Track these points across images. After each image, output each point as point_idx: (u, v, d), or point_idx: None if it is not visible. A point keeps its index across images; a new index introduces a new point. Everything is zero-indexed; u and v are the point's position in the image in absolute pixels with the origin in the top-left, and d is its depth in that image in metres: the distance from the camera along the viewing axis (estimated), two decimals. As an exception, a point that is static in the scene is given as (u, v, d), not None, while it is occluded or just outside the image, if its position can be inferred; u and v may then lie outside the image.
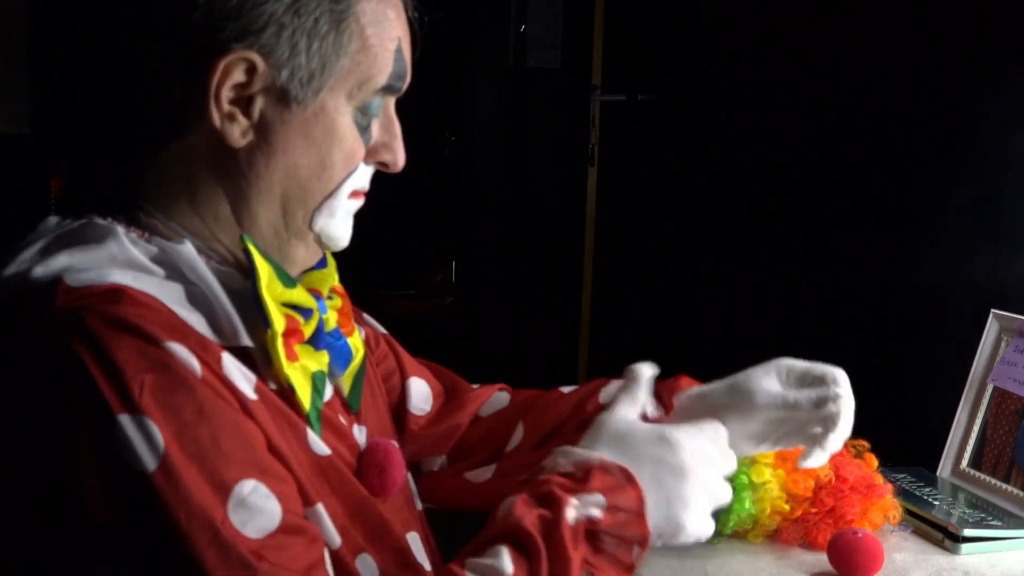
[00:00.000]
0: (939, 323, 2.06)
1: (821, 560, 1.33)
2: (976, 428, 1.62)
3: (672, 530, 1.02)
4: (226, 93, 0.93)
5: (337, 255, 1.09)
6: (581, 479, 1.00)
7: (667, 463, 1.03)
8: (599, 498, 0.98)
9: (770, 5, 2.84)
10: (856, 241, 2.40)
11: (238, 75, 0.93)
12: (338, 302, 1.09)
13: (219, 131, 0.94)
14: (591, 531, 0.97)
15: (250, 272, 0.94)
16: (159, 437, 0.82)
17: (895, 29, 2.27)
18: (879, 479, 1.43)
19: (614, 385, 1.26)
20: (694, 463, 1.03)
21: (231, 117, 0.94)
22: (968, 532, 1.40)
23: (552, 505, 0.97)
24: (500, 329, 4.38)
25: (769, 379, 1.17)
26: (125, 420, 0.82)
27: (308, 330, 0.99)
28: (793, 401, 1.15)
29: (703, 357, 3.18)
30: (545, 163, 4.35)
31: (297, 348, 0.97)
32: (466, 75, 4.45)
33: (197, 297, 0.92)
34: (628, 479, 1.01)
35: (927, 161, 2.16)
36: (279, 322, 0.94)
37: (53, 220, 0.97)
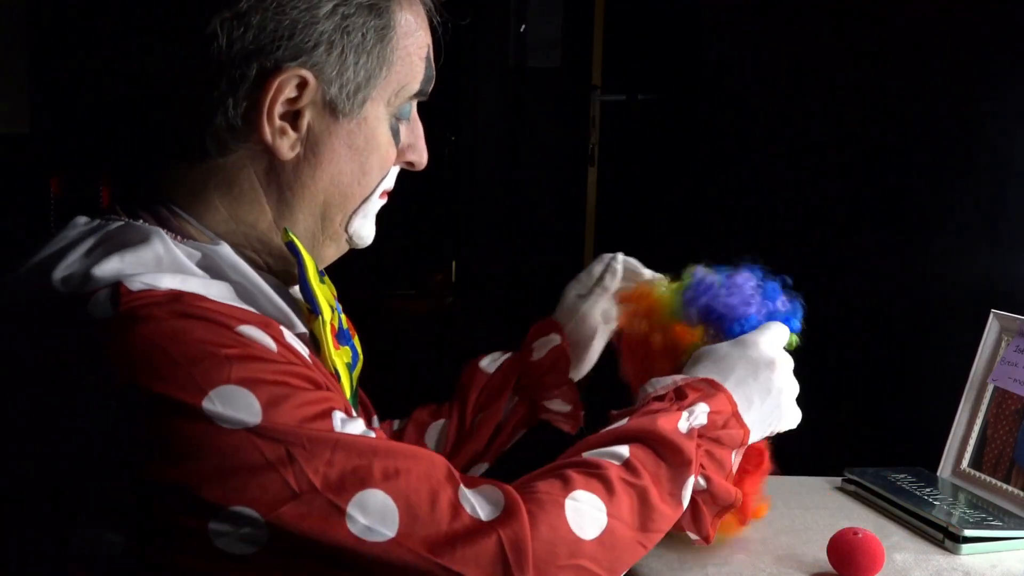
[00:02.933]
0: (939, 323, 2.06)
1: (821, 560, 1.33)
2: (976, 428, 1.62)
3: (775, 417, 1.17)
4: (278, 109, 0.95)
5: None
6: (677, 398, 1.09)
7: (753, 359, 1.16)
8: (702, 406, 1.08)
9: (770, 5, 2.84)
10: (856, 241, 2.40)
11: (289, 91, 0.95)
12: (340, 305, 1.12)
13: (270, 145, 0.96)
14: (703, 435, 1.06)
15: (298, 263, 0.97)
16: (254, 399, 0.84)
17: (896, 29, 2.27)
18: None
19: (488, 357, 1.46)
20: (775, 353, 1.19)
21: (282, 132, 0.97)
22: (968, 532, 1.40)
23: (663, 418, 1.05)
24: (500, 329, 4.38)
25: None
26: (221, 392, 0.83)
27: (335, 324, 1.02)
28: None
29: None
30: (545, 163, 4.35)
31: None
32: (466, 75, 4.45)
33: (243, 293, 0.94)
34: (715, 387, 1.12)
35: (928, 161, 2.16)
36: (327, 310, 0.98)
37: (82, 220, 0.98)
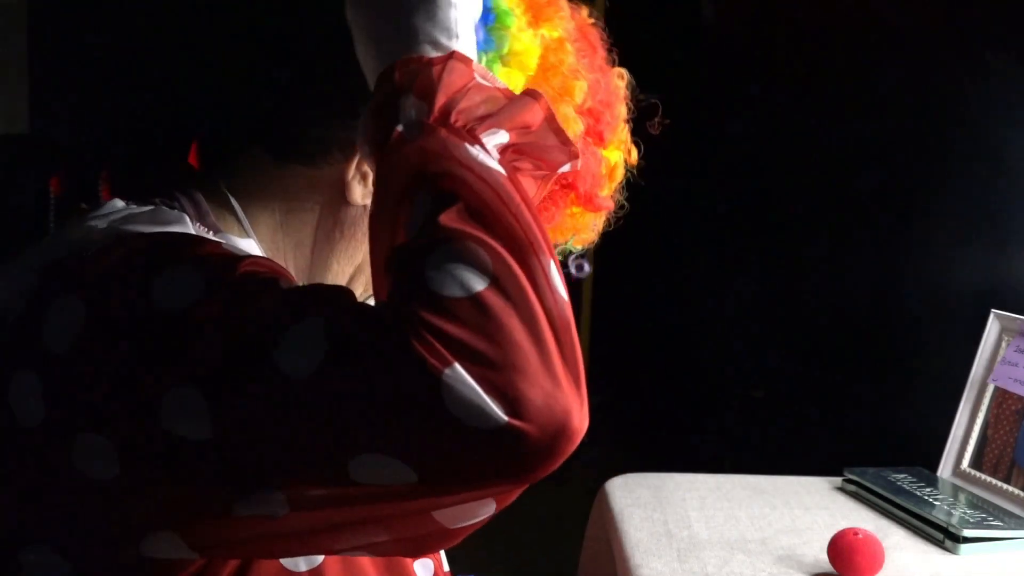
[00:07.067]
0: (939, 323, 2.06)
1: (821, 560, 1.33)
2: (977, 428, 1.62)
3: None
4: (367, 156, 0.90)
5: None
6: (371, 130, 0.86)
7: None
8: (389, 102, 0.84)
9: (770, 5, 2.84)
10: (856, 241, 2.40)
11: None
12: None
13: (346, 183, 0.95)
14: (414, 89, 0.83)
15: None
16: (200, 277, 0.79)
17: (895, 28, 2.27)
18: None
19: None
20: None
21: (363, 177, 0.95)
22: (969, 532, 1.40)
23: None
24: (500, 329, 4.37)
25: None
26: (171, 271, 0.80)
27: None
28: None
29: (703, 356, 3.18)
30: (545, 163, 4.34)
31: None
32: (466, 75, 4.44)
33: None
34: (383, 76, 0.86)
35: (928, 160, 2.16)
36: None
37: (120, 203, 0.96)
